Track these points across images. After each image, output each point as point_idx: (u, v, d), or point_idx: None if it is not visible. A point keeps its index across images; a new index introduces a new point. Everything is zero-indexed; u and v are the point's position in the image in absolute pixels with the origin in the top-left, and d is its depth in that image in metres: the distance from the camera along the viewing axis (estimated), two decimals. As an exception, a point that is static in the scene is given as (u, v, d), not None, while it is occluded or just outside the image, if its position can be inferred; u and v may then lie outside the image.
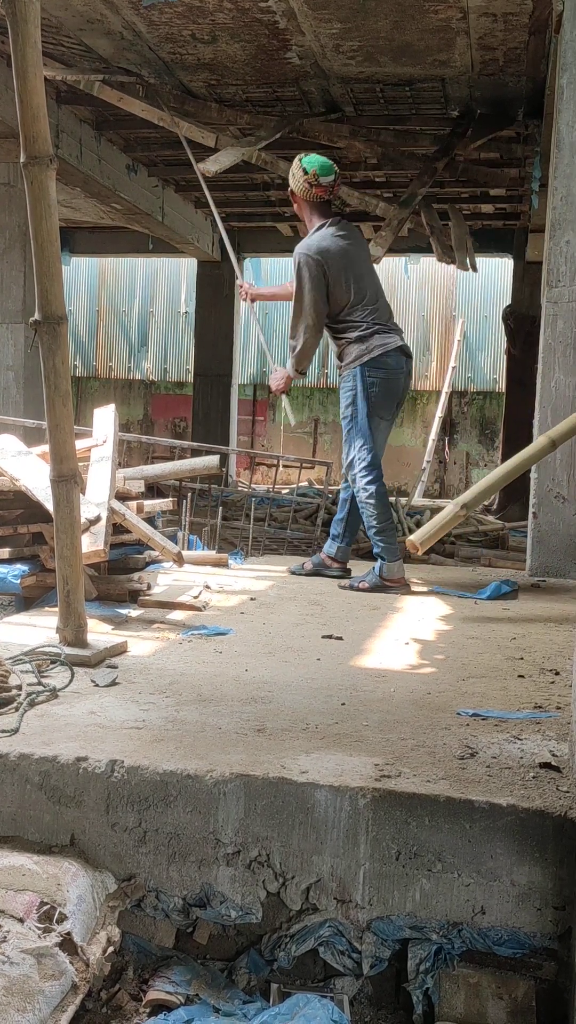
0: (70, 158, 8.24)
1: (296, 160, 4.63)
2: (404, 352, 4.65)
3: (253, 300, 5.27)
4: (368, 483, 4.53)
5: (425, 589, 4.65)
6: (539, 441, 4.04)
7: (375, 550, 4.56)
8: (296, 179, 4.58)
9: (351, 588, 4.54)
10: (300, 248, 4.59)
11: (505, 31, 6.28)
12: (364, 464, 4.54)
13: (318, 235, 4.60)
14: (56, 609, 3.03)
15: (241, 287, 5.22)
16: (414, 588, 4.64)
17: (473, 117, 7.70)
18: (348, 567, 4.92)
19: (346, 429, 4.62)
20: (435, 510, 10.15)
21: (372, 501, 4.54)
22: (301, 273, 4.53)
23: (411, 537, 3.94)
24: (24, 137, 2.70)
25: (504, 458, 11.35)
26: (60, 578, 2.96)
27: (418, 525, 9.29)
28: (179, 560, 4.06)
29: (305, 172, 4.54)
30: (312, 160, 4.58)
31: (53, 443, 2.90)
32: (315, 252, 4.54)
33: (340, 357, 4.67)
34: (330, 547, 4.92)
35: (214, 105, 7.65)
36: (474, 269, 8.77)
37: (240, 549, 6.80)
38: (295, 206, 4.76)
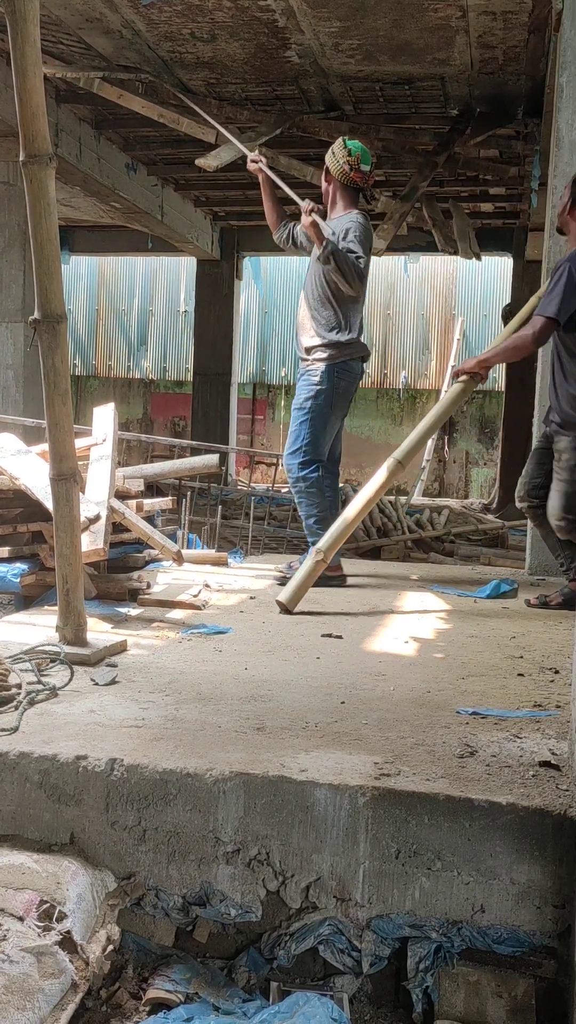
0: (69, 157, 8.24)
1: (340, 140, 4.54)
2: (364, 359, 4.71)
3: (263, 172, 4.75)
4: (309, 472, 4.55)
5: (424, 587, 4.65)
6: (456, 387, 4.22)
7: (311, 539, 4.56)
8: (336, 159, 4.47)
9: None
10: (342, 221, 4.45)
11: (504, 29, 6.28)
12: (308, 457, 4.52)
13: (355, 213, 4.48)
14: (56, 608, 3.03)
15: (259, 161, 4.77)
16: (412, 584, 4.64)
17: (473, 115, 7.70)
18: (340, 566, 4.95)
19: (299, 420, 4.57)
20: (434, 509, 10.17)
21: (313, 491, 4.56)
22: (359, 229, 4.37)
23: (279, 597, 3.88)
24: (23, 136, 2.70)
25: (504, 456, 11.36)
26: (60, 577, 2.96)
27: (417, 523, 9.31)
28: (178, 559, 4.06)
29: (349, 154, 4.43)
30: (357, 144, 4.50)
31: (52, 442, 2.90)
32: (363, 223, 4.44)
33: (308, 350, 4.55)
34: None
35: (213, 102, 7.64)
36: (478, 258, 8.76)
37: (240, 548, 6.81)
38: (324, 186, 4.60)
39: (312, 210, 4.35)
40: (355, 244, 4.37)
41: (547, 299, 3.85)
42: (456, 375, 4.22)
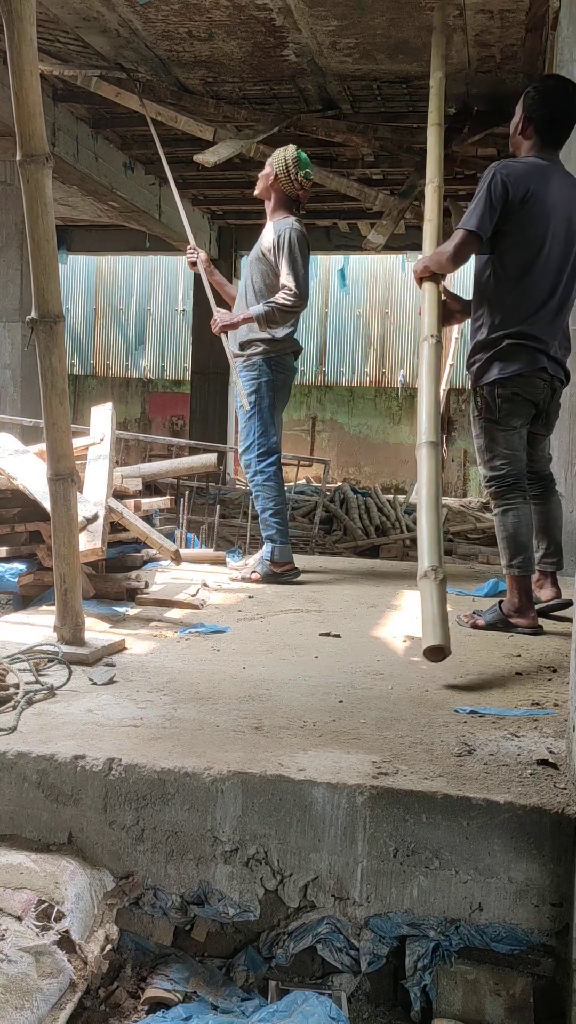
0: (67, 156, 8.24)
1: (292, 148, 4.65)
2: (296, 354, 4.81)
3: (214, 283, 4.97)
4: (267, 466, 4.64)
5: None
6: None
7: (267, 532, 4.64)
8: (286, 167, 4.59)
9: (244, 580, 4.62)
10: (282, 225, 4.58)
11: (502, 28, 6.28)
12: (263, 450, 4.64)
13: (293, 220, 4.63)
14: (54, 608, 3.03)
15: (198, 258, 4.92)
16: (410, 583, 4.64)
17: (470, 114, 7.70)
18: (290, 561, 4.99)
19: (246, 417, 4.67)
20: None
21: (270, 484, 4.65)
22: (293, 245, 4.52)
23: (432, 643, 2.75)
24: (20, 135, 2.70)
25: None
26: (57, 576, 2.95)
27: (416, 523, 9.29)
28: (176, 558, 4.06)
29: (300, 165, 4.59)
30: (307, 161, 4.67)
31: (50, 441, 2.90)
32: (300, 230, 4.59)
33: (243, 345, 4.65)
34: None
35: (211, 101, 7.65)
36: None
37: (238, 547, 6.81)
38: (264, 185, 4.69)
39: (220, 330, 4.66)
40: (289, 272, 4.50)
41: (468, 211, 3.43)
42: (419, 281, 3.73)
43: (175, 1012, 1.83)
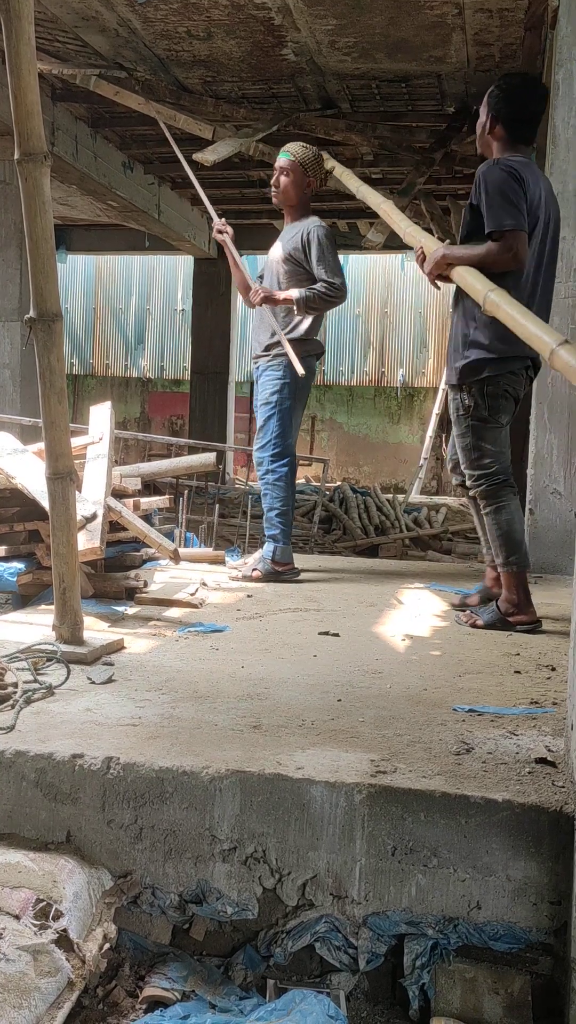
0: (66, 155, 8.24)
1: (316, 149, 4.69)
2: (318, 356, 4.86)
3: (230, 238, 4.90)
4: (280, 466, 4.66)
5: (421, 585, 4.65)
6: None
7: (270, 532, 4.66)
8: (317, 163, 4.63)
9: (244, 578, 4.63)
10: (308, 224, 4.60)
11: (501, 27, 6.28)
12: (278, 450, 4.65)
13: (316, 218, 4.67)
14: (52, 607, 3.03)
15: (224, 232, 4.83)
16: (409, 582, 4.64)
17: (469, 113, 7.70)
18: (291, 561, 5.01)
19: (265, 415, 4.68)
20: (432, 507, 10.17)
21: (281, 484, 4.66)
22: (322, 242, 4.55)
23: None
24: (18, 134, 2.70)
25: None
26: (56, 576, 2.95)
27: (415, 522, 9.30)
28: (175, 557, 4.06)
29: (328, 167, 4.65)
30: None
31: (49, 440, 2.90)
32: (326, 227, 4.61)
33: (268, 347, 4.66)
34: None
35: (210, 100, 7.65)
36: None
37: (237, 546, 6.81)
38: (294, 190, 4.65)
39: (261, 301, 4.60)
40: (325, 267, 4.53)
41: (493, 211, 3.24)
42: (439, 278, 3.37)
43: (173, 1011, 1.83)
